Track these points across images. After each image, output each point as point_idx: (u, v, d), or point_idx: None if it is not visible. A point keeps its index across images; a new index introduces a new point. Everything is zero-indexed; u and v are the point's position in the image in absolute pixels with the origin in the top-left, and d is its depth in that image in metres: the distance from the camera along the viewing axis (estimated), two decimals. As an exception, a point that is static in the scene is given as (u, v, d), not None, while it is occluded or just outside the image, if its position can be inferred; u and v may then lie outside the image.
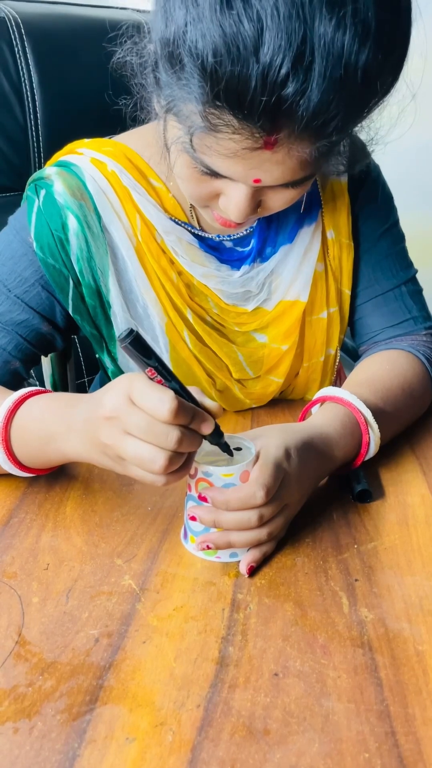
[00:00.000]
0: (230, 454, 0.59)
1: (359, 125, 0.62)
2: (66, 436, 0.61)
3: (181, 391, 0.53)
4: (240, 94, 0.52)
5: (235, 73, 0.51)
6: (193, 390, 0.56)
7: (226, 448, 0.59)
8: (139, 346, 0.50)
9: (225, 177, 0.62)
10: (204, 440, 0.57)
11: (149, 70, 0.62)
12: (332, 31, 0.50)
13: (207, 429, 0.55)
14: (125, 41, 0.65)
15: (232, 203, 0.64)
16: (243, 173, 0.60)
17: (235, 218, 0.65)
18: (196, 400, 0.55)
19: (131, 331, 0.50)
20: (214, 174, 0.62)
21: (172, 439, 0.52)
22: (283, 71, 0.50)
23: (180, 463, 0.54)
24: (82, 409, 0.59)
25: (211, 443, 0.58)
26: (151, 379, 0.52)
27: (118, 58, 0.66)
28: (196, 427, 0.55)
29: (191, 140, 0.59)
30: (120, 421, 0.53)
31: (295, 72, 0.50)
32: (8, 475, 0.70)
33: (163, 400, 0.51)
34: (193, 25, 0.52)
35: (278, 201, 0.66)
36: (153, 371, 0.52)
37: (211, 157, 0.59)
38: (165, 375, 0.52)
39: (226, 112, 0.54)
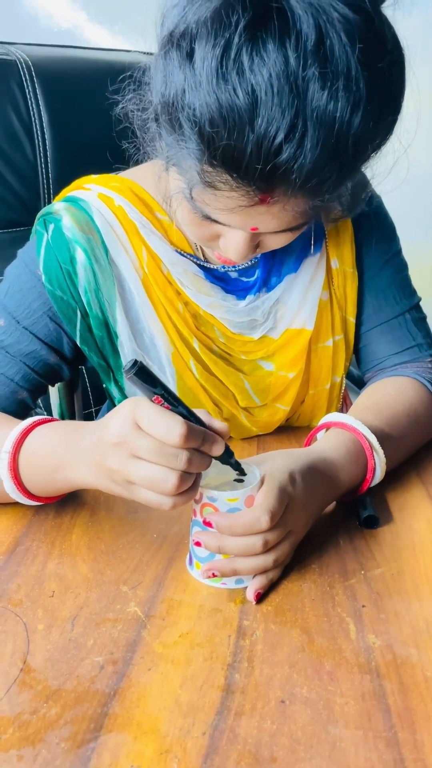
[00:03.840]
0: (243, 472, 0.60)
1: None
2: (73, 464, 0.61)
3: (188, 416, 0.54)
4: (236, 160, 0.54)
5: (231, 141, 0.53)
6: (201, 413, 0.56)
7: (237, 467, 0.59)
8: (144, 376, 0.51)
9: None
10: (214, 461, 0.57)
11: (151, 123, 0.65)
12: (325, 102, 0.52)
13: (218, 450, 0.56)
14: (127, 93, 0.68)
15: (231, 246, 0.67)
16: (240, 223, 0.63)
17: (235, 259, 0.68)
18: (204, 423, 0.56)
19: (136, 361, 0.50)
20: (214, 220, 0.64)
21: (182, 460, 0.52)
22: (277, 141, 0.52)
23: (191, 482, 0.54)
24: (89, 436, 0.60)
25: (223, 463, 0.58)
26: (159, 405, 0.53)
27: (122, 108, 0.68)
28: (207, 450, 0.55)
29: (191, 192, 0.62)
30: (128, 445, 0.53)
31: (289, 141, 0.52)
32: (15, 503, 0.71)
33: (173, 425, 0.51)
34: (191, 92, 0.54)
35: (277, 242, 0.69)
36: (160, 399, 0.52)
37: (210, 209, 0.62)
38: (172, 401, 0.53)
39: (223, 173, 0.56)
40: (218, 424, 0.57)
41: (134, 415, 0.53)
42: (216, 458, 0.57)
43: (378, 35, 0.55)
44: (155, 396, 0.52)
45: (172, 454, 0.52)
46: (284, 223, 0.62)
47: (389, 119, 0.59)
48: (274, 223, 0.62)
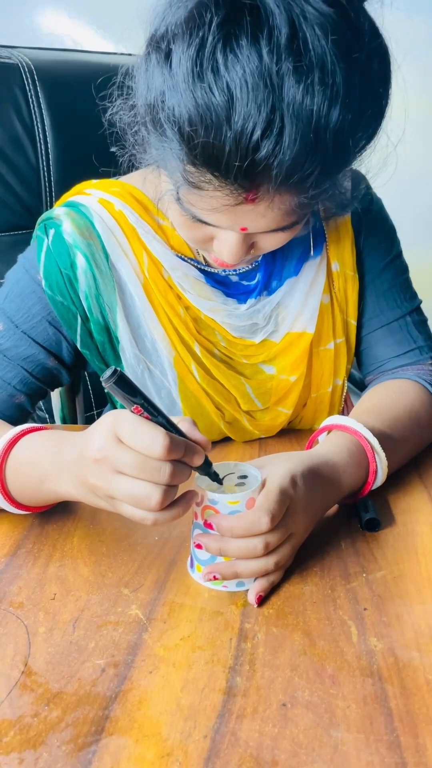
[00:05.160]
0: (219, 482, 0.59)
1: (342, 173, 0.64)
2: (57, 477, 0.60)
3: (168, 426, 0.53)
4: (216, 158, 0.54)
5: (209, 139, 0.53)
6: (185, 421, 0.56)
7: (215, 478, 0.59)
8: (123, 385, 0.50)
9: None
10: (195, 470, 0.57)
11: (139, 127, 0.65)
12: (301, 96, 0.52)
13: (198, 461, 0.55)
14: (115, 99, 0.68)
15: (224, 248, 0.67)
16: (228, 223, 0.63)
17: (229, 261, 0.67)
18: (183, 433, 0.55)
19: (115, 370, 0.49)
20: (204, 222, 0.64)
21: (165, 474, 0.51)
22: (255, 137, 0.52)
23: (174, 496, 0.53)
24: (71, 449, 0.59)
25: (200, 474, 0.58)
26: (138, 415, 0.52)
27: (110, 115, 0.69)
28: (188, 460, 0.54)
29: (178, 193, 0.62)
30: (109, 461, 0.52)
31: (267, 137, 0.52)
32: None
33: (156, 437, 0.51)
34: (169, 93, 0.55)
35: (270, 243, 0.69)
36: (139, 408, 0.51)
37: (197, 210, 0.62)
38: (151, 411, 0.52)
39: (206, 172, 0.56)
40: (199, 435, 0.55)
41: (115, 428, 0.52)
42: (195, 469, 0.56)
43: (354, 27, 0.54)
44: (135, 405, 0.51)
45: (155, 468, 0.51)
46: (273, 222, 0.62)
47: (370, 112, 0.58)
48: (262, 222, 0.62)
